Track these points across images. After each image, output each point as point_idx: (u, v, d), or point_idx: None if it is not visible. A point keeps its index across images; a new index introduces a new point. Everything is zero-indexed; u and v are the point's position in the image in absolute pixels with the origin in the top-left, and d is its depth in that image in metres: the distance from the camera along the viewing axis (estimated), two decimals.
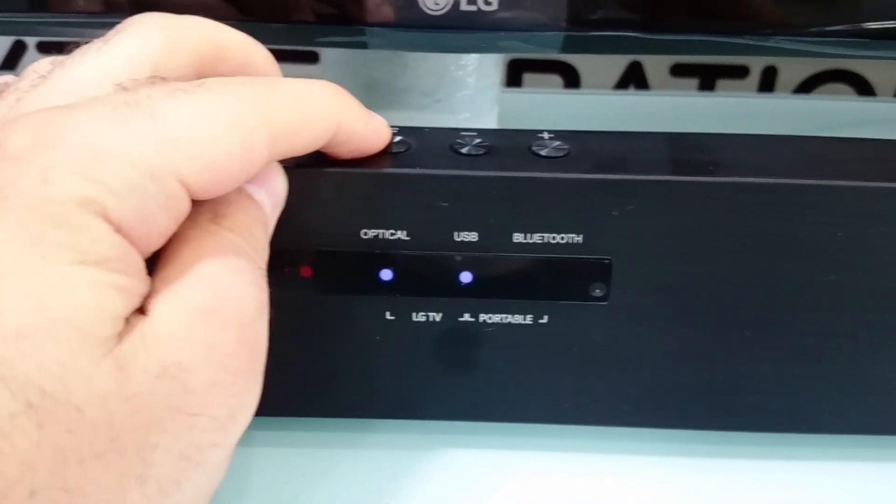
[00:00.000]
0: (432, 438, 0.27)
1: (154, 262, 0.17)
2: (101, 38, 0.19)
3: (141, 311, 0.16)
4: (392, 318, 0.24)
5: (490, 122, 0.39)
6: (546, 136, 0.24)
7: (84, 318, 0.15)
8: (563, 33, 0.27)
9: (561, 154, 0.23)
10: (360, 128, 0.21)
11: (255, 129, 0.17)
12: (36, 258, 0.15)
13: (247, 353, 0.17)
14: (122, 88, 0.17)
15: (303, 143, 0.19)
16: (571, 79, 0.53)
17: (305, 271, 0.23)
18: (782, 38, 0.28)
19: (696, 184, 0.22)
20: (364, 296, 0.24)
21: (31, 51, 0.53)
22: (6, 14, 0.30)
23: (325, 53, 0.39)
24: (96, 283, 0.15)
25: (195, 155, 0.16)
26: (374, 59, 0.35)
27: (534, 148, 0.23)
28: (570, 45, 0.27)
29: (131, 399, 0.15)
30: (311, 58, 0.51)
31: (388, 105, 0.36)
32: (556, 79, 0.53)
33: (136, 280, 0.16)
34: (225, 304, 0.17)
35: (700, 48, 0.27)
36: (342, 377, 0.25)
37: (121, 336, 0.15)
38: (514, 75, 0.53)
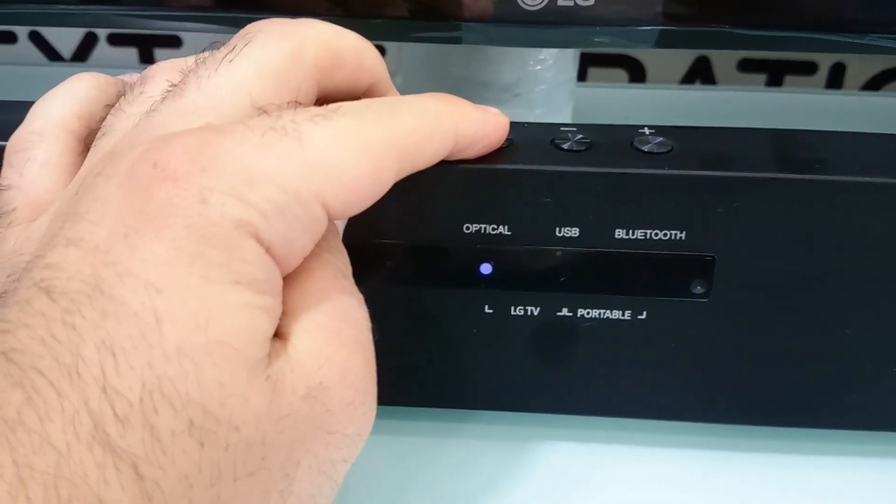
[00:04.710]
0: (528, 431, 0.27)
1: None
2: (227, 46, 0.19)
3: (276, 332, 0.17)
4: (490, 311, 0.24)
5: (565, 117, 0.39)
6: (647, 131, 0.24)
7: (240, 340, 0.15)
8: (658, 28, 0.27)
9: (664, 150, 0.23)
10: (479, 131, 0.21)
11: (385, 152, 0.18)
12: (195, 277, 0.15)
13: (370, 372, 0.18)
14: (264, 112, 0.18)
15: (425, 160, 0.19)
16: (636, 73, 0.53)
17: (408, 264, 0.24)
18: (879, 35, 0.28)
19: (803, 182, 0.22)
20: (464, 289, 0.24)
21: (103, 43, 0.53)
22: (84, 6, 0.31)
23: (396, 47, 0.39)
24: (249, 305, 0.15)
25: (334, 177, 0.17)
26: (454, 54, 0.35)
27: (636, 144, 0.23)
28: (666, 41, 0.27)
29: (282, 419, 0.16)
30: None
31: (467, 99, 0.36)
32: (622, 73, 0.53)
33: (278, 301, 0.16)
34: (347, 327, 0.17)
35: (802, 44, 0.27)
36: (440, 368, 0.25)
37: (269, 357, 0.16)
38: (579, 70, 0.53)
